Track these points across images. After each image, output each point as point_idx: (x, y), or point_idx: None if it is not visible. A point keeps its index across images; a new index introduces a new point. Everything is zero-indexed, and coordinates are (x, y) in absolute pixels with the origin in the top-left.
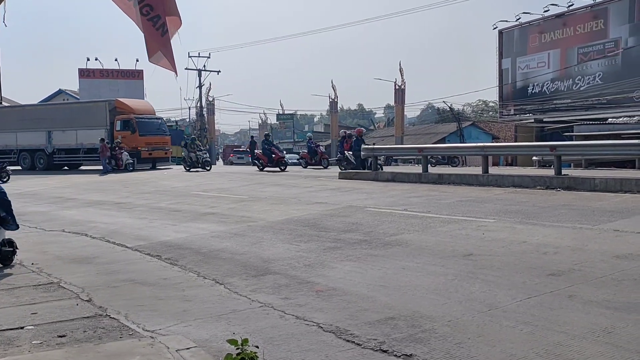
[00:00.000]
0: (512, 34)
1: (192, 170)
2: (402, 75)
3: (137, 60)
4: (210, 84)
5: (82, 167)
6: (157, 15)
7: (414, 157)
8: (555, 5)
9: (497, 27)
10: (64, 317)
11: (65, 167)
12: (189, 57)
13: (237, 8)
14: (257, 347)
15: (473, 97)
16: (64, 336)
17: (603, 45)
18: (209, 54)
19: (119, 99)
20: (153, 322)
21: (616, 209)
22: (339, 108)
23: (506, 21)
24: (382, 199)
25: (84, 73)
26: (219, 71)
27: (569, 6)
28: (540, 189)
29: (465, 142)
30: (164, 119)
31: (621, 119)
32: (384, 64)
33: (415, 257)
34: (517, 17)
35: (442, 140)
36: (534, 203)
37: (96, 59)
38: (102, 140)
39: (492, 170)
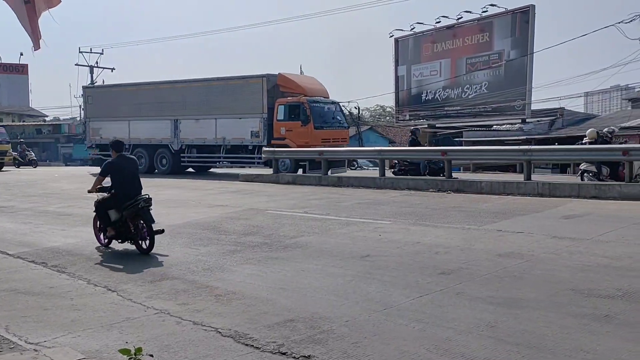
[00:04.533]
0: (407, 42)
1: None
2: None
3: (22, 54)
4: (103, 82)
5: (213, 170)
6: None
7: (316, 158)
8: (446, 17)
9: (393, 36)
10: None
11: (190, 169)
12: (80, 52)
13: (135, 4)
14: (152, 355)
15: (371, 102)
16: None
17: (488, 56)
18: (102, 50)
19: (282, 73)
20: (38, 334)
21: (500, 210)
22: None
23: (402, 30)
24: (283, 202)
25: None
26: (113, 68)
27: (458, 19)
28: (432, 191)
29: (364, 146)
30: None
31: (504, 126)
32: (285, 67)
33: (315, 259)
34: (412, 27)
35: None
36: (427, 205)
37: None
38: None
39: (389, 173)
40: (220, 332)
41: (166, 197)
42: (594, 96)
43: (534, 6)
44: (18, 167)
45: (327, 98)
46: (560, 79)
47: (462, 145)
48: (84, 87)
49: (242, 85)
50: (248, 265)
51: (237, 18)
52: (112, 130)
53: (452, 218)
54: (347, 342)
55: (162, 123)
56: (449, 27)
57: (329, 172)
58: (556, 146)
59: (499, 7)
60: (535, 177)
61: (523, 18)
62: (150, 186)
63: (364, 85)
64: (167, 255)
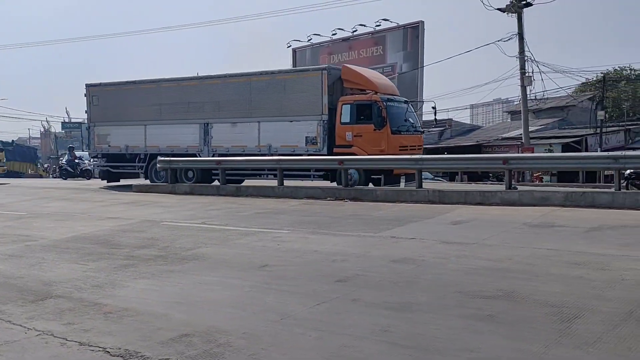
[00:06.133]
0: (304, 53)
1: None
2: None
3: None
4: None
5: (246, 183)
6: None
7: (214, 169)
8: (342, 29)
9: (290, 46)
10: None
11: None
12: None
13: (15, 3)
14: None
15: None
16: None
17: (382, 69)
18: None
19: (347, 65)
20: None
21: (394, 217)
22: None
23: (299, 40)
24: (180, 213)
25: None
26: None
27: (353, 32)
28: (330, 200)
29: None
30: None
31: None
32: (180, 72)
33: (213, 270)
34: (309, 38)
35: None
36: (325, 214)
37: None
38: None
39: (288, 182)
40: (109, 352)
41: (52, 210)
42: (479, 108)
43: (423, 22)
44: (65, 179)
45: (398, 96)
46: (448, 91)
47: None
48: (88, 85)
49: (294, 80)
50: (142, 280)
51: (134, 22)
52: (123, 137)
53: (350, 226)
54: (244, 355)
55: (188, 128)
56: (344, 40)
57: (403, 185)
58: (445, 155)
59: (391, 22)
60: (426, 184)
61: (414, 33)
62: (37, 198)
63: None
64: (51, 272)
